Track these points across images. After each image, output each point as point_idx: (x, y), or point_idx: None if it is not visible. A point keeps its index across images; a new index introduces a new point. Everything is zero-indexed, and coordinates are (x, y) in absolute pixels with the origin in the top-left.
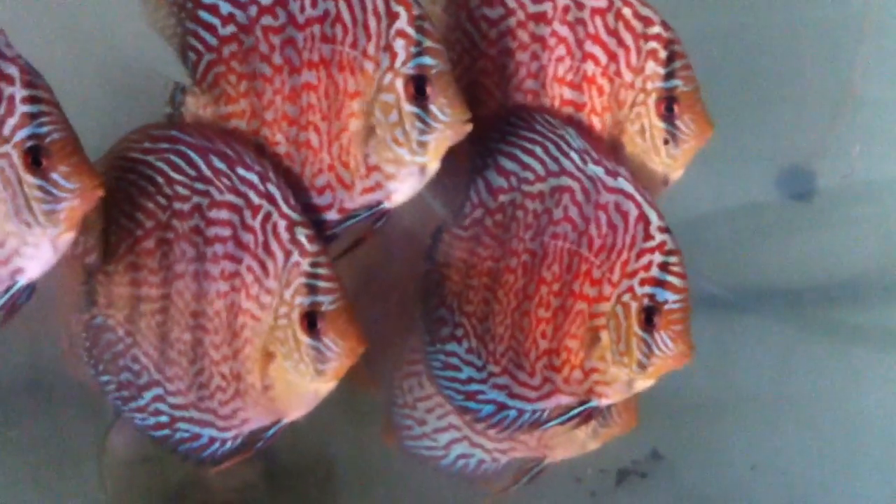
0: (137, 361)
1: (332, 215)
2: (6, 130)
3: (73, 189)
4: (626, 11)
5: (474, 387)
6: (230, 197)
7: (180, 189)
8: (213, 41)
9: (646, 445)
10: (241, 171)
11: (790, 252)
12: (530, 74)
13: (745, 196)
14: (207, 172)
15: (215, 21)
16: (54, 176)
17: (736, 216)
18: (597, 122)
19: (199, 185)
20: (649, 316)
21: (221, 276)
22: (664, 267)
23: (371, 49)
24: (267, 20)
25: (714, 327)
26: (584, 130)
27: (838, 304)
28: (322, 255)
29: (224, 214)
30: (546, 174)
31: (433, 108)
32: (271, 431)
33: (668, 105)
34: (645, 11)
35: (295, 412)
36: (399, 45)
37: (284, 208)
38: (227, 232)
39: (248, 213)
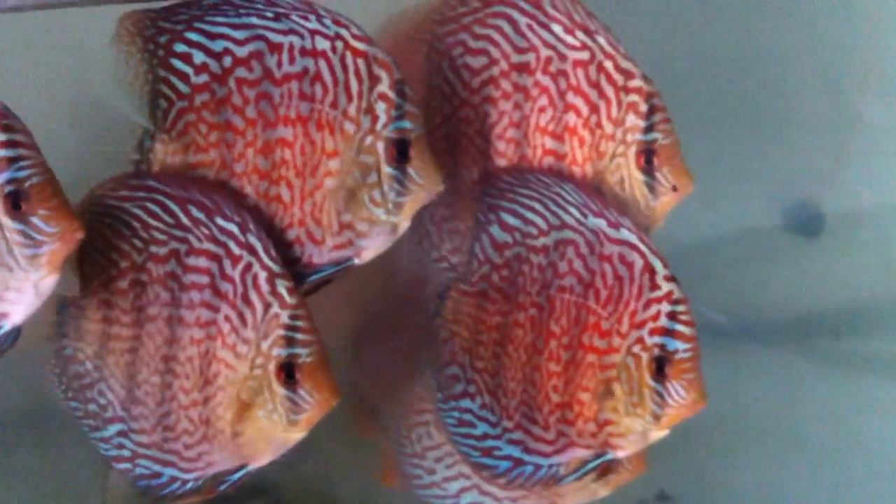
0: (104, 395)
1: (298, 269)
2: None
3: (54, 232)
4: (608, 64)
5: (490, 443)
6: (209, 245)
7: (157, 234)
8: (185, 89)
9: (653, 485)
10: (220, 221)
11: (797, 281)
12: (512, 123)
13: (752, 224)
14: (186, 221)
15: (188, 69)
16: (34, 220)
17: (741, 245)
18: (577, 173)
19: (177, 232)
20: (660, 366)
21: (196, 323)
22: (672, 316)
23: (352, 110)
24: (242, 72)
25: (722, 359)
26: (582, 185)
27: (847, 333)
28: (301, 307)
29: (202, 262)
30: (549, 228)
31: (411, 170)
32: (236, 476)
33: (647, 157)
34: (626, 65)
35: (263, 458)
36: (381, 108)
37: (265, 259)
38: (204, 280)
39: (227, 263)
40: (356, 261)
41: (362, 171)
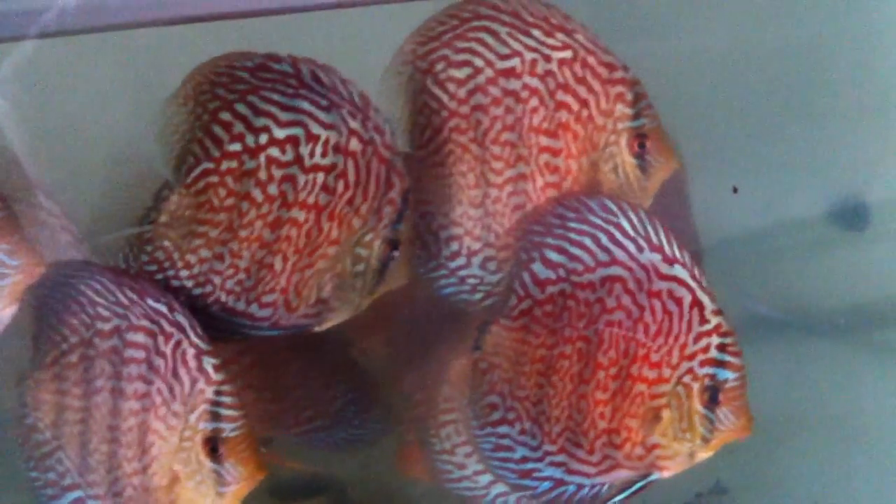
0: (62, 464)
1: (261, 325)
2: None
3: (16, 266)
4: (591, 60)
5: (530, 465)
6: (145, 322)
7: (102, 310)
8: (215, 152)
9: (709, 477)
10: (150, 301)
11: (844, 273)
12: (506, 127)
13: (798, 214)
14: (124, 299)
15: (224, 136)
16: None
17: (788, 234)
18: (573, 166)
19: (119, 309)
20: (713, 395)
21: (134, 396)
22: (722, 348)
23: (364, 209)
24: (274, 151)
25: (771, 352)
26: (650, 212)
27: (894, 325)
28: (227, 383)
29: (140, 338)
30: (595, 264)
31: (392, 265)
32: None
33: (640, 142)
34: (608, 58)
35: None
36: (387, 210)
37: (193, 337)
38: (141, 354)
39: (161, 339)
40: (316, 328)
41: (354, 261)
